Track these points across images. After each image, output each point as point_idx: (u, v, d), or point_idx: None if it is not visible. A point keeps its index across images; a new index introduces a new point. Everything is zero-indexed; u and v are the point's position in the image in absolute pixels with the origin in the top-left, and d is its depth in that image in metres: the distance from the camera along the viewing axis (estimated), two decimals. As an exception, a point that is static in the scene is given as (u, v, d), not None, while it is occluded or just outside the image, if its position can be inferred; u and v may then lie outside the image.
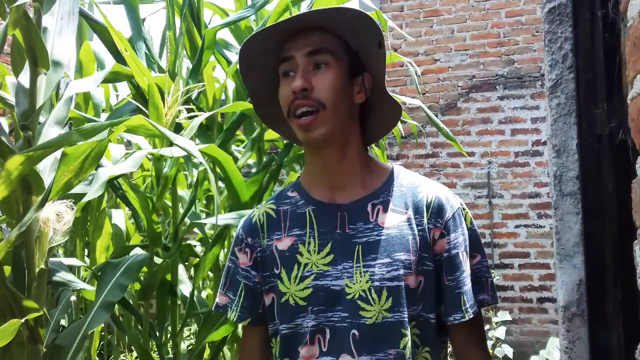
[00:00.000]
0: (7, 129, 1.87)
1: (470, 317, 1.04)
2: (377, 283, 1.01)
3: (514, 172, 4.85)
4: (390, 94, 1.11)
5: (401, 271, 1.02)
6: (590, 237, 1.38)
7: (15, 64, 1.70)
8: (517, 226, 4.79)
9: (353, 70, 1.06)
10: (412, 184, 1.10)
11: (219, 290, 1.16)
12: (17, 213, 1.57)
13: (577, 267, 1.40)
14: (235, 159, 2.81)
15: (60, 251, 2.61)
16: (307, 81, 1.01)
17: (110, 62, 2.34)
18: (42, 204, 1.40)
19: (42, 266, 1.59)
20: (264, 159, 2.84)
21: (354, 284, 1.02)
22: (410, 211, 1.06)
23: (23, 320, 1.39)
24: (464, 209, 1.10)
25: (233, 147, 3.10)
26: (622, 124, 1.20)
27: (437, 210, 1.06)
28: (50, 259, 1.75)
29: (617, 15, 1.25)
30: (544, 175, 4.71)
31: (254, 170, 2.92)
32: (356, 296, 1.02)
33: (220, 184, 2.70)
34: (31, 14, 1.64)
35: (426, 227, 1.05)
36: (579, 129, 1.41)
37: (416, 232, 1.05)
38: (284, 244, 1.09)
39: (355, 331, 1.01)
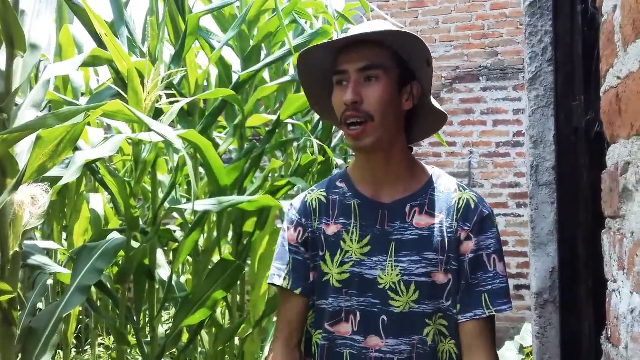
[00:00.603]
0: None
1: (491, 314, 1.11)
2: (406, 277, 1.12)
3: (495, 162, 4.89)
4: (436, 104, 1.20)
5: (428, 268, 1.12)
6: (564, 226, 1.41)
7: (-8, 46, 1.67)
8: (496, 215, 4.80)
9: (402, 80, 1.14)
10: (447, 190, 1.19)
11: (273, 264, 1.25)
12: (-9, 195, 1.55)
13: (550, 255, 1.42)
14: (217, 146, 2.80)
15: (38, 234, 2.59)
16: (358, 94, 1.10)
17: (91, 46, 2.31)
18: (16, 187, 1.38)
19: (17, 249, 1.57)
20: (246, 146, 2.83)
21: (386, 275, 1.13)
22: (443, 215, 1.16)
23: (-4, 303, 1.38)
24: (494, 219, 1.18)
25: (215, 134, 3.09)
26: (598, 117, 1.21)
27: (465, 214, 1.15)
28: (26, 242, 1.73)
29: (597, 10, 1.26)
30: (524, 166, 4.76)
31: (235, 156, 2.91)
32: (387, 287, 1.13)
33: (201, 170, 2.69)
34: (8, -6, 1.61)
35: (455, 229, 1.14)
36: (556, 120, 1.43)
37: (445, 235, 1.14)
38: (331, 229, 1.19)
39: (384, 317, 1.12)
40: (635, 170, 0.71)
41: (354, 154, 1.38)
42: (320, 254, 1.19)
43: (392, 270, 1.13)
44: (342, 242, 1.17)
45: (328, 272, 1.17)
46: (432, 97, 1.21)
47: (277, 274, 1.22)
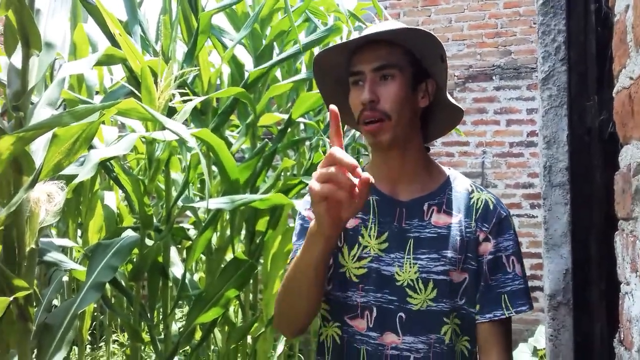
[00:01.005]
0: (-1, 110, 1.87)
1: (510, 315, 1.12)
2: (424, 275, 1.12)
3: (508, 162, 4.86)
4: (452, 100, 1.21)
5: (447, 267, 1.12)
6: (577, 227, 1.40)
7: (8, 45, 1.69)
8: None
9: (417, 78, 1.15)
10: (465, 190, 1.20)
11: (293, 242, 1.25)
12: (8, 193, 1.57)
13: (564, 257, 1.41)
14: (229, 144, 2.81)
15: (53, 232, 2.62)
16: (374, 94, 1.11)
17: (105, 44, 2.33)
18: (32, 184, 1.40)
19: (33, 246, 1.59)
20: (258, 145, 2.84)
21: (403, 272, 1.13)
22: (461, 214, 1.16)
23: (12, 299, 1.40)
24: (511, 220, 1.18)
25: (227, 132, 3.10)
26: (611, 117, 1.20)
27: (484, 214, 1.16)
28: (42, 239, 1.76)
29: (610, 9, 1.25)
30: (537, 166, 4.73)
31: (247, 155, 2.92)
32: (405, 284, 1.12)
33: (214, 168, 2.70)
34: (24, -6, 1.63)
35: (473, 229, 1.15)
36: (569, 120, 1.42)
37: (464, 234, 1.15)
38: (350, 223, 1.17)
39: (402, 314, 1.12)
40: (648, 171, 0.70)
41: (369, 152, 1.38)
42: (338, 244, 1.18)
43: (411, 267, 1.12)
44: (360, 237, 1.17)
45: (344, 264, 1.17)
46: (447, 93, 1.21)
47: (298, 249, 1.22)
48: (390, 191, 1.19)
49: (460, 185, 1.20)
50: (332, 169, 0.89)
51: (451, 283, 1.12)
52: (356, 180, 0.89)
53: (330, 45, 1.19)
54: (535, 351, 3.67)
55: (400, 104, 1.11)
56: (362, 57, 1.14)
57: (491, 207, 1.17)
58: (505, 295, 1.13)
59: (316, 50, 3.45)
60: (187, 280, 2.55)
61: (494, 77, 4.96)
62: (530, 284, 4.93)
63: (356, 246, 1.17)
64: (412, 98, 1.14)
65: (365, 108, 1.11)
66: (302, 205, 1.28)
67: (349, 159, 0.88)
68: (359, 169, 0.88)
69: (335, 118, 0.93)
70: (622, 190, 0.84)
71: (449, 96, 1.21)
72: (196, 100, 2.17)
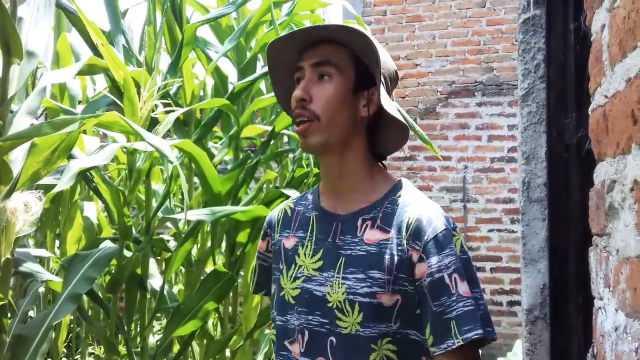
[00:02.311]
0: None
1: (460, 344, 0.96)
2: (351, 296, 1.02)
3: (489, 178, 4.91)
4: (395, 113, 1.08)
5: (374, 288, 1.02)
6: (555, 242, 1.41)
7: (-11, 52, 1.67)
8: (490, 230, 4.85)
9: (360, 84, 1.09)
10: (403, 203, 1.07)
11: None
12: (-16, 202, 1.55)
13: (541, 272, 1.42)
14: (212, 156, 2.80)
15: (31, 242, 2.58)
16: (306, 92, 1.05)
17: (88, 54, 2.32)
18: (9, 194, 1.39)
19: (8, 256, 1.57)
20: (241, 156, 2.84)
21: (333, 293, 1.04)
22: (393, 231, 1.05)
23: (-14, 310, 1.37)
24: (454, 234, 1.04)
25: (211, 144, 3.10)
26: (589, 134, 1.22)
27: (415, 232, 1.02)
28: (18, 249, 1.73)
29: (588, 28, 1.28)
30: (518, 182, 4.77)
31: (230, 167, 2.92)
32: (334, 305, 1.04)
33: (195, 179, 2.69)
34: (7, 3, 1.62)
35: (405, 247, 1.02)
36: (548, 137, 1.44)
37: (394, 252, 1.03)
38: (289, 242, 1.14)
39: (332, 338, 1.03)
40: (620, 188, 0.72)
41: None
42: (280, 266, 1.14)
43: (339, 287, 1.04)
44: (296, 257, 1.11)
45: (284, 286, 1.12)
46: (395, 106, 1.11)
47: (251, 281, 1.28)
48: (332, 206, 1.11)
49: (403, 197, 1.08)
50: None
51: (379, 306, 1.01)
52: None
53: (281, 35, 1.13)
54: (514, 366, 3.68)
55: (332, 106, 1.05)
56: (306, 54, 1.09)
57: (424, 222, 1.02)
58: (454, 322, 0.97)
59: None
60: (165, 293, 2.53)
61: (476, 93, 5.01)
62: (509, 298, 4.96)
63: (293, 266, 1.11)
64: (350, 103, 1.07)
65: (297, 106, 1.06)
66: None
67: None
68: None
69: None
70: (596, 206, 0.85)
71: (391, 108, 1.08)
72: (179, 112, 2.17)
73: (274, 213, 1.23)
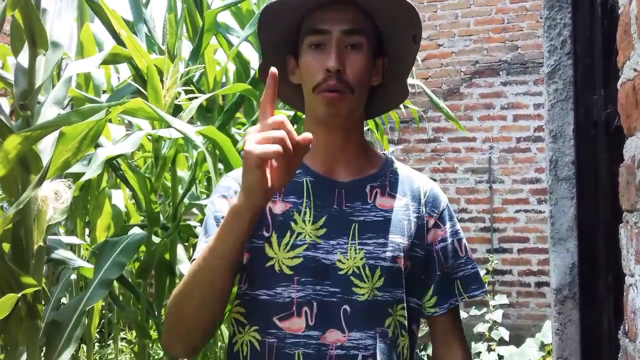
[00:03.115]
0: (8, 109, 1.89)
1: (463, 300, 1.09)
2: (372, 261, 1.01)
3: (515, 158, 4.85)
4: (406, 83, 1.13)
5: (395, 253, 1.03)
6: (583, 221, 1.40)
7: (15, 45, 1.70)
8: (517, 211, 4.80)
9: (376, 52, 1.06)
10: (407, 175, 1.13)
11: (198, 240, 1.10)
12: (16, 191, 1.58)
13: (570, 251, 1.41)
14: (235, 142, 2.81)
15: (61, 230, 2.64)
16: (342, 63, 0.99)
17: (111, 44, 2.34)
18: (39, 182, 1.41)
19: (41, 243, 1.61)
20: (264, 142, 2.84)
21: (347, 259, 1.01)
22: (407, 198, 1.09)
23: (20, 295, 1.41)
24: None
25: (234, 130, 3.11)
26: (618, 110, 1.20)
27: (433, 200, 1.11)
28: (49, 237, 1.77)
29: (616, 2, 1.25)
30: (544, 161, 4.71)
31: (254, 152, 2.92)
32: (349, 272, 1.00)
33: (220, 165, 2.71)
34: (31, -6, 1.64)
35: (423, 214, 1.09)
36: (575, 114, 1.42)
37: (412, 218, 1.07)
38: (278, 207, 1.05)
39: (347, 307, 0.99)
40: (652, 163, 0.70)
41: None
42: (265, 234, 1.03)
43: (356, 253, 1.01)
44: (292, 223, 1.03)
45: (273, 256, 1.01)
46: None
47: (201, 250, 0.99)
48: (326, 172, 1.07)
49: (401, 169, 1.14)
50: (280, 132, 0.80)
51: (398, 271, 1.03)
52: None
53: None
54: (542, 346, 3.66)
55: (363, 79, 1.02)
56: (327, 15, 1.00)
57: (436, 191, 1.13)
58: (458, 281, 1.09)
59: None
60: (194, 278, 2.56)
61: (500, 73, 4.94)
62: (537, 279, 4.94)
63: (288, 233, 1.02)
64: (371, 73, 1.05)
65: (331, 77, 0.98)
66: (218, 187, 1.11)
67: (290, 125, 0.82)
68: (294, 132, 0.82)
69: (274, 83, 0.84)
70: (626, 181, 0.84)
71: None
72: (202, 98, 2.18)
73: None
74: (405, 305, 1.04)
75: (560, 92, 1.44)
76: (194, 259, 0.99)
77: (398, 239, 1.04)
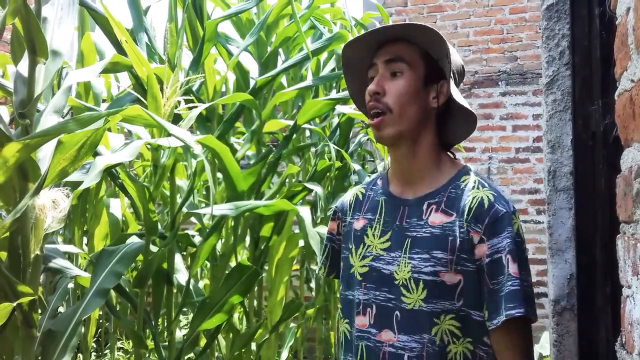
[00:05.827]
0: (7, 118, 1.89)
1: (503, 320, 1.06)
2: (416, 275, 1.12)
3: (514, 168, 4.85)
4: (463, 102, 1.18)
5: (437, 267, 1.11)
6: (582, 232, 1.39)
7: (15, 53, 1.70)
8: (516, 222, 4.79)
9: (431, 77, 1.18)
10: (467, 188, 1.16)
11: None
12: (13, 199, 1.58)
13: (568, 262, 1.40)
14: (235, 151, 2.82)
15: (59, 239, 2.63)
16: (380, 86, 1.15)
17: (112, 53, 2.34)
18: (37, 191, 1.41)
19: (38, 252, 1.60)
20: (263, 151, 2.85)
21: (400, 271, 1.14)
22: (456, 214, 1.14)
23: (15, 304, 1.40)
24: (512, 217, 1.11)
25: (233, 139, 3.12)
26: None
27: (476, 215, 1.11)
28: (47, 246, 1.76)
29: (614, 13, 1.25)
30: (543, 172, 4.71)
31: (252, 161, 2.93)
32: (401, 283, 1.14)
33: (219, 175, 2.71)
34: (32, 4, 1.65)
35: (466, 229, 1.12)
36: (574, 125, 1.42)
37: (457, 234, 1.12)
38: (359, 224, 1.25)
39: (397, 312, 1.13)
40: (648, 174, 0.70)
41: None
42: (350, 246, 1.24)
43: (405, 266, 1.13)
44: (365, 237, 1.21)
45: (353, 263, 1.22)
46: (460, 97, 1.20)
47: (319, 265, 1.37)
48: (399, 191, 1.21)
49: (468, 182, 1.17)
50: None
51: (442, 284, 1.10)
52: None
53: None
54: (540, 357, 3.64)
55: (404, 99, 1.14)
56: (379, 52, 1.19)
57: (486, 205, 1.11)
58: (503, 299, 1.07)
59: (323, 57, 3.47)
60: (191, 287, 2.55)
61: (499, 83, 4.95)
62: (536, 290, 4.90)
63: (361, 245, 1.21)
64: (421, 96, 1.16)
65: (371, 100, 1.15)
66: (332, 212, 1.36)
67: None
68: None
69: None
70: (623, 193, 0.84)
71: (460, 98, 1.18)
72: (201, 107, 2.18)
73: (347, 197, 1.34)
74: (456, 315, 1.11)
75: (558, 102, 1.44)
76: None
77: (439, 254, 1.11)
